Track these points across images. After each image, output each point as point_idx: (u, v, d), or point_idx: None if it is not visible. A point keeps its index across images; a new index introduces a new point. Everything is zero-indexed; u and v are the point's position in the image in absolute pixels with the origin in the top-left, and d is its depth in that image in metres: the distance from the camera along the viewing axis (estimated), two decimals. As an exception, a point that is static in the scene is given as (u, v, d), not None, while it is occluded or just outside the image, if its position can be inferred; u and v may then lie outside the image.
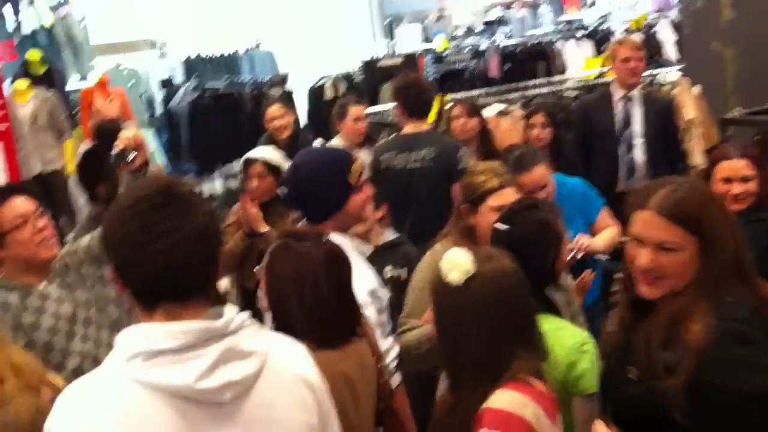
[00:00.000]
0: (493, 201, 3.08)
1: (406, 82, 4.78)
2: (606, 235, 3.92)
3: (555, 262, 2.65)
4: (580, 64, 10.81)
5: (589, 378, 2.40)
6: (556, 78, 8.19)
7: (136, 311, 1.69)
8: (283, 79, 10.08)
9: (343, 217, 2.87)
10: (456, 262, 2.21)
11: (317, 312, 2.25)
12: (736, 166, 3.43)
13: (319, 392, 1.83)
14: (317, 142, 5.94)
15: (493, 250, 2.37)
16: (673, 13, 12.23)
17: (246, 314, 1.74)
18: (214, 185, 11.14)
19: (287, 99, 8.61)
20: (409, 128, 4.63)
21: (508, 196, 3.07)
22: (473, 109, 5.28)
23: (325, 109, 9.66)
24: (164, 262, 1.61)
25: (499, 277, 2.20)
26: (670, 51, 10.81)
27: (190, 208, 1.65)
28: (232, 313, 1.70)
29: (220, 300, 1.81)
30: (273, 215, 4.23)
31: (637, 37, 5.76)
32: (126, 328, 1.66)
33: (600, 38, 11.34)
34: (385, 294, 2.82)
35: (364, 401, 2.33)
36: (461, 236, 3.10)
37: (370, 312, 2.65)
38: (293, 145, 5.51)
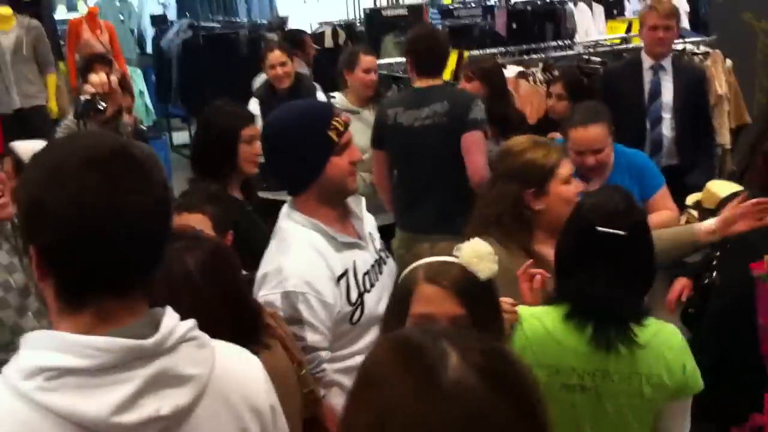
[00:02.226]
0: (564, 170, 2.69)
1: (417, 35, 4.32)
2: (661, 217, 3.49)
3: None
4: (590, 27, 10.46)
5: (696, 375, 2.20)
6: (578, 41, 7.73)
7: (54, 308, 1.33)
8: (282, 23, 9.61)
9: (324, 185, 2.43)
10: None
11: (200, 319, 1.90)
12: None
13: (266, 418, 1.53)
14: (320, 95, 5.52)
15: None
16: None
17: (190, 323, 1.39)
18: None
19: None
20: (420, 83, 4.21)
21: (569, 165, 2.73)
22: (476, 72, 4.83)
23: (322, 59, 9.27)
24: (115, 245, 1.28)
25: None
26: (684, 20, 10.47)
27: (148, 176, 1.32)
28: (171, 322, 1.35)
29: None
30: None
31: (669, 2, 5.30)
32: (31, 334, 1.31)
33: (612, 2, 10.97)
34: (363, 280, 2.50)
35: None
36: (514, 228, 2.67)
37: (335, 299, 2.38)
38: (295, 96, 5.09)
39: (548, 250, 2.54)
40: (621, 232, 2.19)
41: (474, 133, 4.04)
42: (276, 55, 5.45)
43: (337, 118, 2.43)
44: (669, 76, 4.94)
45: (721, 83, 5.72)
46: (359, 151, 2.54)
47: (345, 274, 2.45)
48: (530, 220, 2.69)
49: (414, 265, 1.96)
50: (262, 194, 5.27)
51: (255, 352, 1.83)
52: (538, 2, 10.69)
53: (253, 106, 5.43)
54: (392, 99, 4.61)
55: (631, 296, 2.21)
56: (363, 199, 2.68)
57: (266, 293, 2.38)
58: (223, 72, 9.31)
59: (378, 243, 2.69)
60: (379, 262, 2.62)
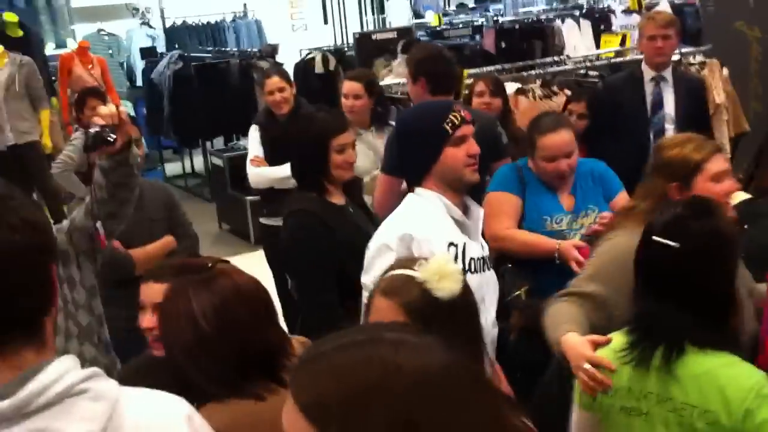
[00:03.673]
0: (714, 166, 2.61)
1: (429, 53, 4.21)
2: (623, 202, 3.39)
3: (732, 284, 2.10)
4: (578, 44, 10.49)
5: None
6: (576, 56, 7.70)
7: None
8: (273, 50, 9.58)
9: (440, 173, 2.67)
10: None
11: (200, 355, 1.88)
12: None
13: None
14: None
15: None
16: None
17: (85, 373, 1.25)
18: (196, 162, 10.71)
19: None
20: None
21: (723, 162, 2.65)
22: (497, 87, 4.85)
23: (314, 84, 9.25)
24: None
25: None
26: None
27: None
28: (48, 377, 1.21)
29: None
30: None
31: (667, 12, 5.31)
32: None
33: (598, 17, 11.01)
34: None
35: None
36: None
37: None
38: (294, 122, 5.06)
39: None
40: (672, 243, 2.06)
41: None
42: (274, 81, 5.41)
43: (455, 113, 2.66)
44: (670, 86, 4.93)
45: (719, 92, 5.72)
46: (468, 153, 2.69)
47: (455, 244, 2.61)
48: None
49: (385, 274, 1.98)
50: (263, 220, 5.27)
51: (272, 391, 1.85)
52: (526, 20, 10.72)
53: (254, 133, 5.41)
54: None
55: (689, 317, 2.03)
56: (482, 210, 2.86)
57: (382, 236, 2.64)
58: (214, 101, 9.28)
59: (486, 250, 2.85)
60: (485, 261, 2.78)
